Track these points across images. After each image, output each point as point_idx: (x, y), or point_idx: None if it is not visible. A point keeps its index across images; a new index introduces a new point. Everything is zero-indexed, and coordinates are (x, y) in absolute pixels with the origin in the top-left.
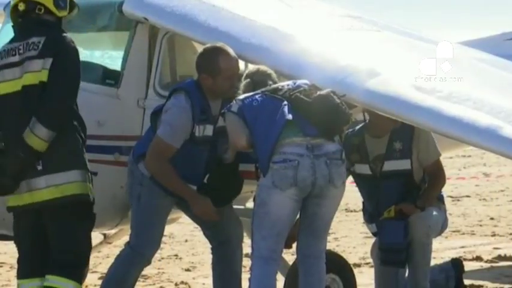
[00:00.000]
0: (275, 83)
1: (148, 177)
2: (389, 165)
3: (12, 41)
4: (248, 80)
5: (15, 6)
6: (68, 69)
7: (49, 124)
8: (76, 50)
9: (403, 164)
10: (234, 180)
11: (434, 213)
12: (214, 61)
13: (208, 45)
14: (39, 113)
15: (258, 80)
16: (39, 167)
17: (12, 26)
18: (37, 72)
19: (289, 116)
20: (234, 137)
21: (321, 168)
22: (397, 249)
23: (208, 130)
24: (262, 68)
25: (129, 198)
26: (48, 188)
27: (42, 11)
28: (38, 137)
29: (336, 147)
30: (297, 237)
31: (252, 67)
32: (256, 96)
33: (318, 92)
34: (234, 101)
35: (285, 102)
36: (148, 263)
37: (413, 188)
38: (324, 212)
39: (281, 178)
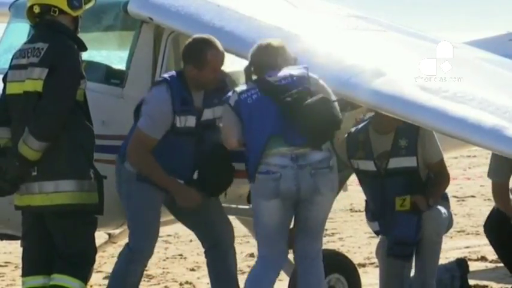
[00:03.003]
0: (279, 64)
1: (136, 174)
2: (395, 162)
3: (28, 41)
4: (248, 64)
5: (31, 8)
6: (61, 84)
7: (40, 136)
8: (74, 63)
9: (409, 161)
10: (225, 172)
11: (444, 211)
12: (202, 53)
13: (196, 36)
14: (31, 125)
15: (258, 64)
16: (34, 173)
17: (31, 26)
18: (35, 81)
19: (275, 130)
20: (227, 134)
21: (306, 179)
22: (408, 242)
23: (191, 121)
24: (267, 51)
25: (120, 198)
26: (40, 194)
27: (57, 12)
28: (29, 147)
29: (323, 155)
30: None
31: (258, 45)
32: (252, 92)
33: (310, 99)
34: (232, 92)
35: (276, 107)
36: (148, 258)
37: (419, 185)
38: (314, 216)
39: (264, 189)
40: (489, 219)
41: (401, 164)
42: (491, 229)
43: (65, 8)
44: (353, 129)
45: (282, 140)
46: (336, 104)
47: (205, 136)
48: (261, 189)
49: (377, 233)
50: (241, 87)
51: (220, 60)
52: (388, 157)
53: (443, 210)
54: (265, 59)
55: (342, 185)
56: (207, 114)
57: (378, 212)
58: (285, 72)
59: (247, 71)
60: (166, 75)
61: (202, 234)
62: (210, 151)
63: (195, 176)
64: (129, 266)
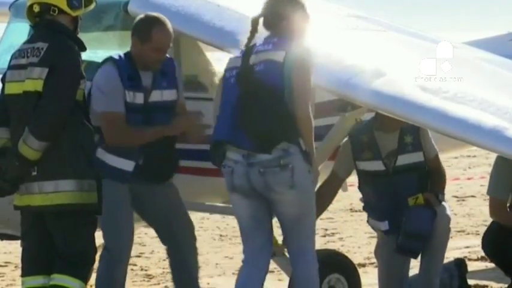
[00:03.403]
0: (283, 26)
1: None
2: (403, 159)
3: (27, 41)
4: (257, 15)
5: (31, 7)
6: (62, 84)
7: (40, 136)
8: (74, 62)
9: (417, 157)
10: (170, 159)
11: (447, 207)
12: (148, 28)
13: (151, 13)
14: (31, 124)
15: (265, 15)
16: (34, 173)
17: (30, 26)
18: (35, 80)
19: (228, 134)
20: (215, 107)
21: (255, 177)
22: (422, 236)
23: (139, 98)
24: (278, 4)
25: None
26: (40, 194)
27: (56, 12)
28: (29, 147)
29: (273, 156)
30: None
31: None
32: (233, 73)
33: (258, 104)
34: (229, 60)
35: (236, 104)
36: (126, 254)
37: (427, 180)
38: (285, 212)
39: (226, 181)
40: (487, 234)
41: (410, 160)
42: (488, 242)
43: (65, 7)
44: (354, 130)
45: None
46: (296, 102)
47: (153, 118)
48: (225, 181)
49: (386, 232)
50: (233, 58)
51: (165, 41)
52: (396, 155)
53: (447, 206)
54: (273, 12)
55: (340, 184)
56: (156, 95)
57: (388, 211)
58: (266, 52)
59: (254, 22)
60: (112, 55)
61: (160, 234)
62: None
63: (141, 161)
64: (110, 268)
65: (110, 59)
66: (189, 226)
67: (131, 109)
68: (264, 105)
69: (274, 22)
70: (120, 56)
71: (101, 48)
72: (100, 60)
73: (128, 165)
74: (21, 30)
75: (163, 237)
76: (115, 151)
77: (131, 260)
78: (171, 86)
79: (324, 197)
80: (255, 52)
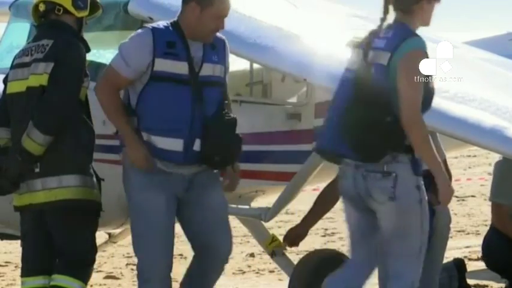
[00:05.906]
0: None
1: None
2: None
3: (32, 40)
4: None
5: (36, 6)
6: (67, 76)
7: (44, 129)
8: (80, 57)
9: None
10: (234, 140)
11: (447, 208)
12: None
13: None
14: (35, 118)
15: None
16: (37, 170)
17: (35, 26)
18: (39, 75)
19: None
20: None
21: (359, 180)
22: None
23: (180, 68)
24: None
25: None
26: (43, 190)
27: (61, 11)
28: (34, 141)
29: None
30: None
31: None
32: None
33: None
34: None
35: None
36: (160, 276)
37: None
38: (381, 225)
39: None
40: (486, 245)
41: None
42: (489, 254)
43: (69, 7)
44: None
45: None
46: None
47: (203, 93)
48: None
49: None
50: (354, 53)
51: (226, 8)
52: None
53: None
54: None
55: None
56: (207, 69)
57: None
58: (377, 52)
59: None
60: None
61: (191, 236)
62: (215, 115)
63: (197, 147)
64: None
65: (147, 26)
66: (227, 235)
67: (165, 78)
68: (368, 114)
69: (407, 3)
70: (163, 23)
71: (100, 48)
72: (100, 60)
73: (176, 145)
74: (21, 30)
75: (193, 240)
76: (159, 131)
77: (131, 260)
78: (221, 61)
79: (328, 199)
80: (372, 48)
